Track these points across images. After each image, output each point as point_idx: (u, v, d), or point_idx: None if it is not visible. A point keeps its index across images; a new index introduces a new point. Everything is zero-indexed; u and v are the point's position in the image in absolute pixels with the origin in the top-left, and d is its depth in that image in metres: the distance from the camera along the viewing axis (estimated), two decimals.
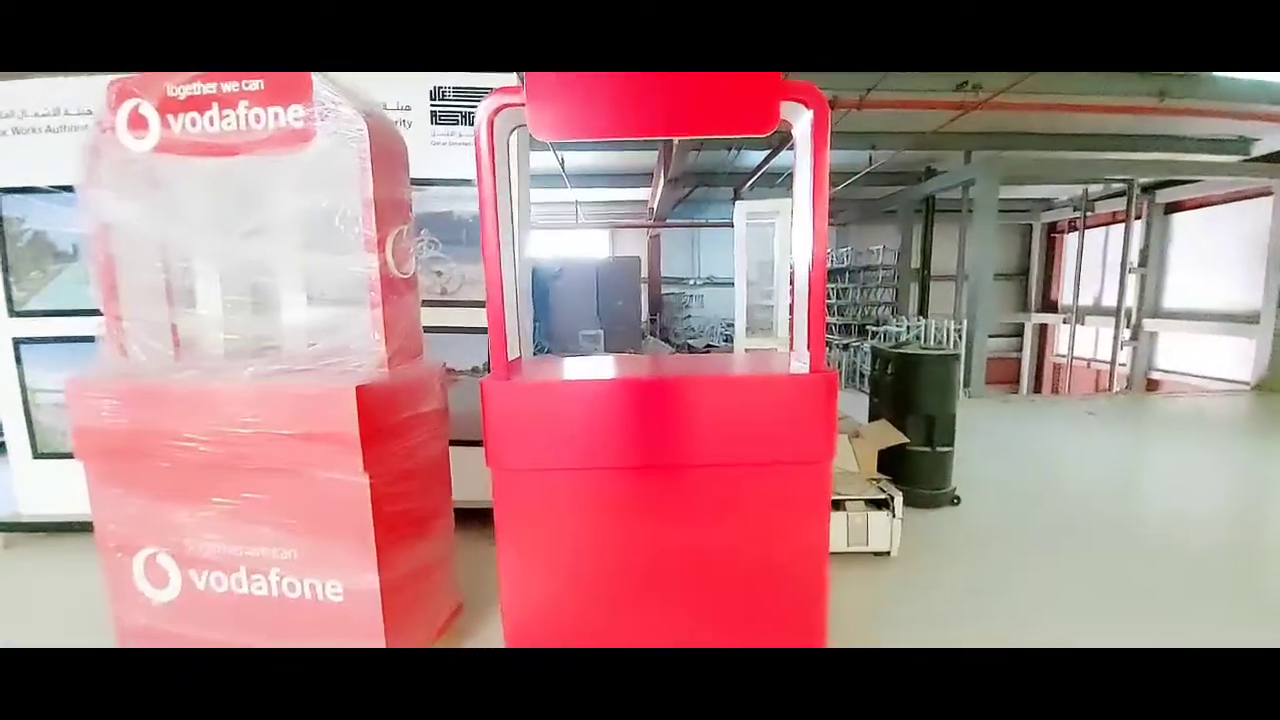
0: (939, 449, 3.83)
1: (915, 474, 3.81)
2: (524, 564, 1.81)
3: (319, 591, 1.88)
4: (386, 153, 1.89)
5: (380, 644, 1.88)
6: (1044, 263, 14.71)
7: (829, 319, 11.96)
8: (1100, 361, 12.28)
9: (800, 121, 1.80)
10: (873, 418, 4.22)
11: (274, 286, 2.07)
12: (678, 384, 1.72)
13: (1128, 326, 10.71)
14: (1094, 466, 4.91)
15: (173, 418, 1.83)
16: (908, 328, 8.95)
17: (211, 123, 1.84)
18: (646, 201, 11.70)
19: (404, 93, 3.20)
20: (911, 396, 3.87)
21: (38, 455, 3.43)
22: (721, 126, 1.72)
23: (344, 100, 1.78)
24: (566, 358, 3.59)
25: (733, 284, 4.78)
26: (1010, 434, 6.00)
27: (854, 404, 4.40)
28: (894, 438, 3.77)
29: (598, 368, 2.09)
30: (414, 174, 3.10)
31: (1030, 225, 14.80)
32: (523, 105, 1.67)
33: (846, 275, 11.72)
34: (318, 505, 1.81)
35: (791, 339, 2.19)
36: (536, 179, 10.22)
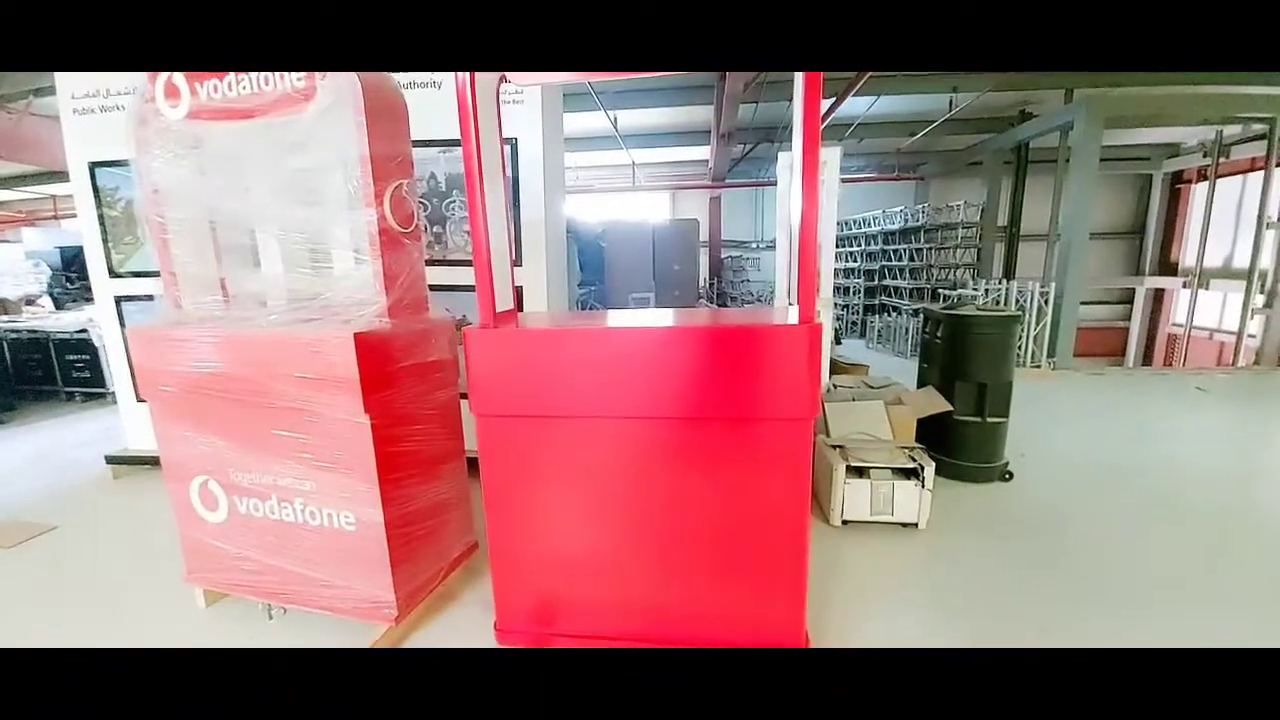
0: (990, 420, 3.55)
1: (961, 446, 3.57)
2: (507, 513, 1.89)
3: (335, 520, 2.06)
4: (384, 109, 1.95)
5: (387, 572, 2.04)
6: (1164, 219, 12.94)
7: (899, 282, 11.22)
8: (1225, 332, 10.78)
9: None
10: (920, 385, 3.97)
11: (298, 242, 2.23)
12: (653, 334, 1.70)
13: (1261, 291, 9.27)
14: (1186, 448, 4.36)
15: (210, 361, 2.05)
16: (985, 291, 8.24)
17: (230, 88, 1.97)
18: (707, 160, 11.36)
19: None
20: (962, 362, 3.59)
21: (140, 399, 3.95)
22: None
23: None
24: (566, 313, 3.61)
25: None
26: (1094, 408, 5.44)
27: (913, 372, 4.12)
28: (936, 405, 3.54)
29: (587, 319, 2.10)
30: (444, 135, 3.22)
31: (1150, 176, 13.00)
32: None
33: (922, 234, 10.86)
34: (329, 442, 1.97)
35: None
36: (592, 140, 10.16)
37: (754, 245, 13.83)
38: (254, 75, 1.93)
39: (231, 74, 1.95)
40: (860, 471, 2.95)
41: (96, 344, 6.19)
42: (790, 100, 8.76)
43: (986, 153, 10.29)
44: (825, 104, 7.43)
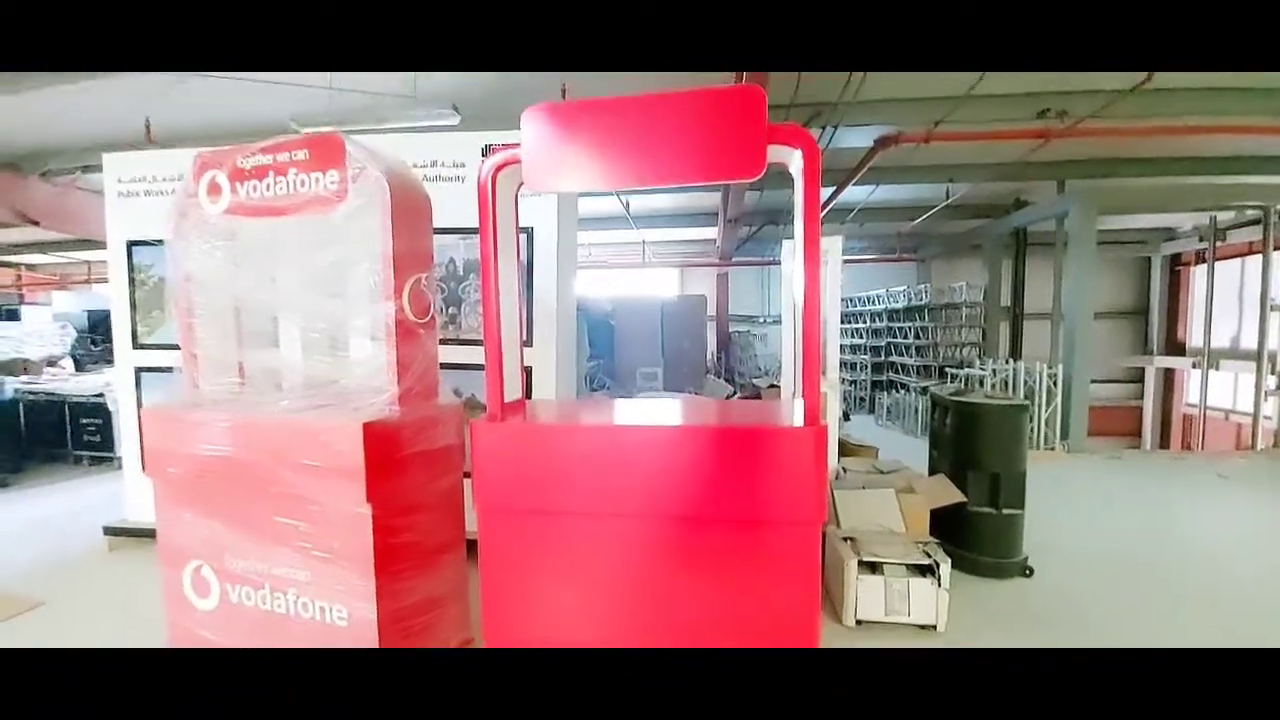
0: (1006, 511, 3.44)
1: (977, 539, 3.45)
2: (505, 609, 1.83)
3: (327, 614, 2.00)
4: (409, 208, 2.07)
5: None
6: (1167, 299, 13.08)
7: (906, 359, 11.27)
8: (1241, 413, 10.60)
9: (793, 161, 1.77)
10: (932, 472, 3.90)
11: (318, 329, 2.30)
12: (658, 434, 1.71)
13: (1272, 373, 9.20)
14: (1214, 539, 4.18)
15: (219, 444, 2.06)
16: (993, 371, 8.23)
17: (268, 188, 2.11)
18: (715, 240, 11.78)
19: (459, 151, 3.50)
20: (972, 450, 3.54)
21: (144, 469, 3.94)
22: (709, 174, 1.73)
23: (371, 163, 1.98)
24: (574, 402, 3.64)
25: None
26: (1114, 495, 5.27)
27: (923, 453, 4.05)
28: (949, 495, 3.46)
29: (593, 411, 2.12)
30: (464, 222, 3.39)
31: (1149, 258, 13.28)
32: (518, 163, 1.78)
33: (926, 313, 11.02)
34: (328, 531, 1.95)
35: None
36: (603, 220, 10.62)
37: (761, 320, 14.04)
38: (291, 176, 2.07)
39: (271, 174, 2.10)
40: (873, 567, 2.84)
41: (111, 408, 6.27)
42: (777, 165, 9.18)
43: (985, 237, 10.61)
44: (826, 192, 7.81)
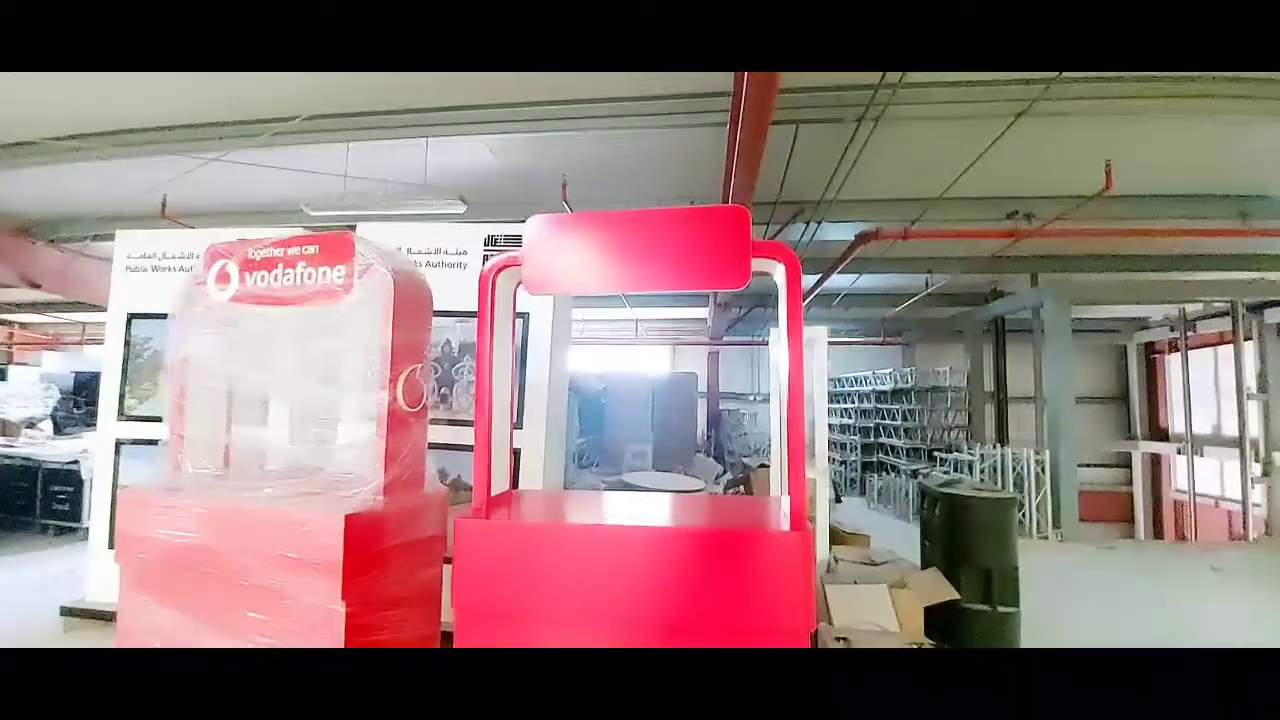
0: (1000, 609, 3.37)
1: (972, 639, 3.35)
2: None
3: None
4: (411, 302, 2.16)
5: None
6: (1145, 386, 13.40)
7: (895, 441, 11.31)
8: (1230, 500, 10.59)
9: (776, 272, 1.89)
10: (925, 563, 3.83)
11: (311, 416, 2.33)
12: (643, 534, 1.70)
13: (1256, 460, 9.29)
14: (1210, 640, 4.07)
15: (192, 531, 2.02)
16: (981, 456, 8.27)
17: (276, 279, 2.20)
18: (706, 320, 12.09)
19: (463, 240, 3.68)
20: (963, 544, 3.51)
21: (111, 545, 3.79)
22: (697, 284, 1.84)
23: (378, 260, 2.09)
24: (562, 494, 3.63)
25: None
26: (1110, 591, 5.17)
27: (915, 540, 3.99)
28: (943, 592, 3.39)
29: (582, 507, 2.11)
30: (462, 307, 3.50)
31: (1125, 345, 13.72)
32: (519, 265, 1.89)
33: (913, 395, 11.20)
34: (296, 628, 1.87)
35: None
36: (597, 298, 10.92)
37: (751, 398, 14.17)
38: (300, 269, 2.16)
39: (280, 266, 2.19)
40: None
41: (84, 476, 6.09)
42: (762, 274, 9.56)
43: (966, 323, 10.99)
44: (812, 279, 8.16)
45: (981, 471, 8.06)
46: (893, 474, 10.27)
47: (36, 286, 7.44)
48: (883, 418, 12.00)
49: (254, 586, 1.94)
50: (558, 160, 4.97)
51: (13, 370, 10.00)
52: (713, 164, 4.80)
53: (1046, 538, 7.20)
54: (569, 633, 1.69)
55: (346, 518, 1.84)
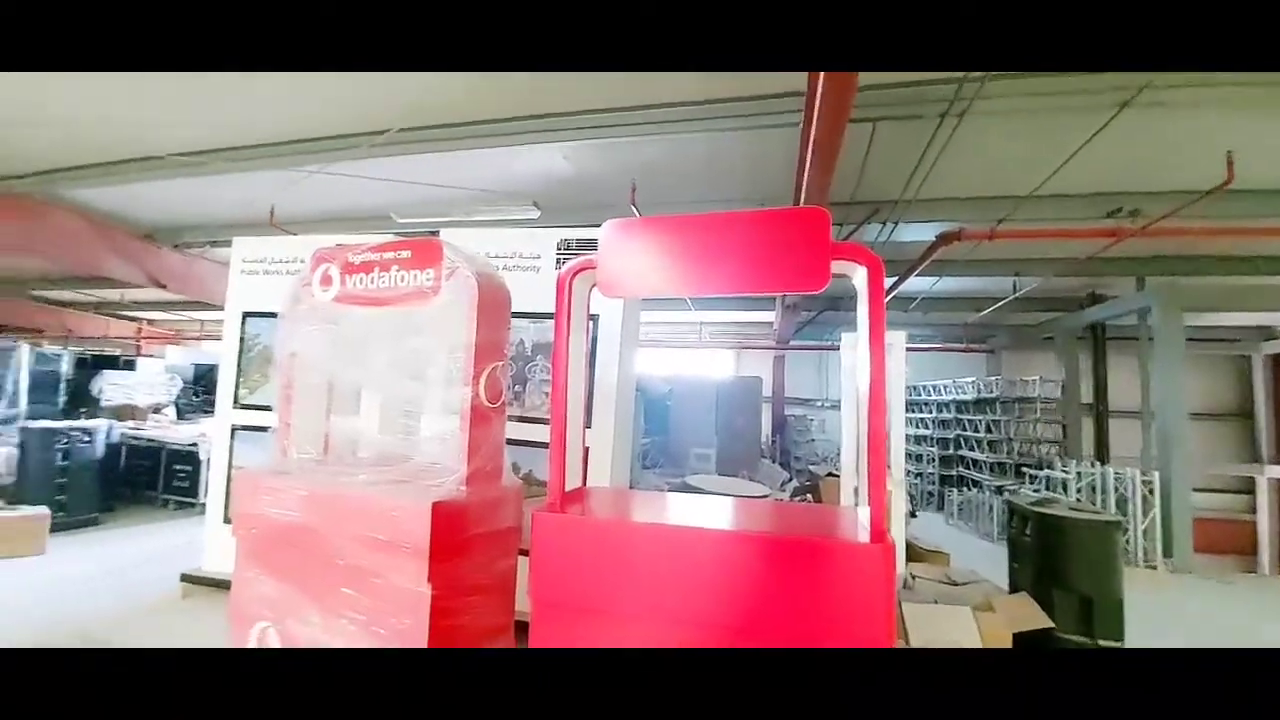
0: (1102, 643, 3.09)
1: None
2: None
3: None
4: (492, 304, 2.27)
5: None
6: (1273, 402, 11.85)
7: (977, 454, 10.61)
8: None
9: (857, 274, 1.84)
10: (1013, 588, 3.59)
11: (401, 408, 2.50)
12: (718, 538, 1.70)
13: None
14: None
15: (298, 511, 2.21)
16: (1078, 474, 7.60)
17: (373, 282, 2.37)
18: (771, 323, 11.86)
19: (536, 244, 3.82)
20: (1059, 566, 3.26)
21: (225, 521, 4.20)
22: (774, 286, 1.83)
23: (463, 264, 2.21)
24: (633, 493, 3.65)
25: None
26: (1228, 631, 4.62)
27: (1001, 561, 3.74)
28: (1034, 619, 3.15)
29: (653, 506, 2.13)
30: (537, 309, 3.63)
31: (1248, 356, 12.21)
32: (594, 268, 1.94)
33: (998, 406, 10.45)
34: (387, 608, 2.01)
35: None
36: (662, 301, 10.96)
37: (819, 404, 13.73)
38: (393, 272, 2.33)
39: (376, 270, 2.36)
40: None
41: (202, 457, 6.78)
42: (841, 275, 9.23)
43: (1059, 329, 10.15)
44: (887, 282, 7.79)
45: (1078, 491, 7.42)
46: (974, 489, 9.63)
47: (162, 286, 8.33)
48: (963, 429, 11.27)
49: (349, 565, 2.10)
50: (626, 164, 5.04)
51: (141, 362, 11.28)
52: (782, 165, 4.71)
53: (1154, 567, 6.52)
54: (640, 630, 1.71)
55: (434, 505, 1.96)
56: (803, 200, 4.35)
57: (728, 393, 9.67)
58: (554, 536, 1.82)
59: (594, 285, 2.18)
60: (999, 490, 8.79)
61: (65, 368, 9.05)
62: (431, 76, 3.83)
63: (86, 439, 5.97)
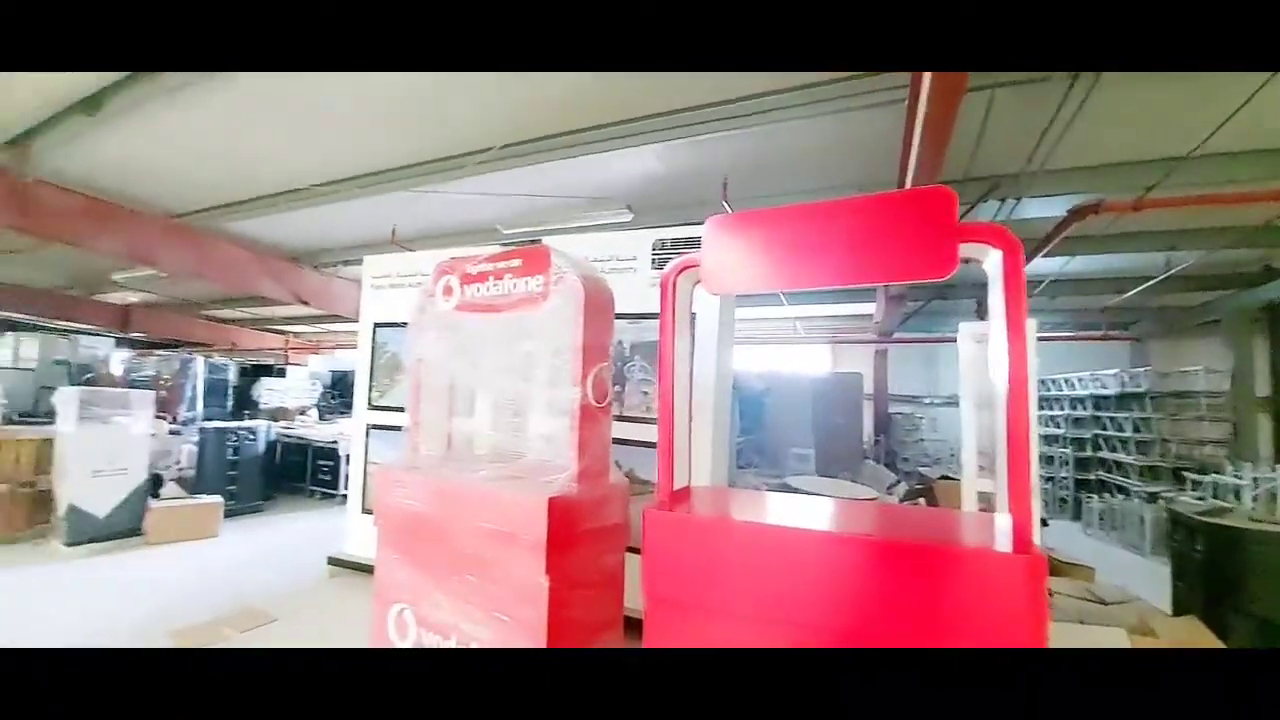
0: None
1: None
2: None
3: None
4: (598, 307, 2.34)
5: None
6: None
7: (1122, 456, 9.38)
8: None
9: (989, 258, 1.69)
10: (1177, 609, 3.13)
11: (514, 408, 2.65)
12: (844, 543, 1.63)
13: None
14: None
15: (428, 503, 2.41)
16: (1254, 480, 6.47)
17: (488, 290, 2.54)
18: (871, 316, 11.21)
19: (632, 246, 3.89)
20: (1236, 588, 2.79)
21: (365, 511, 4.68)
22: (893, 274, 1.73)
23: (570, 270, 2.30)
24: (739, 491, 3.59)
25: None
26: None
27: (1155, 578, 3.29)
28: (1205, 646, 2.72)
29: (763, 506, 2.10)
30: (633, 309, 3.70)
31: None
32: (697, 266, 1.93)
33: (1148, 401, 9.14)
34: (509, 595, 2.13)
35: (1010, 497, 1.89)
36: (754, 297, 10.72)
37: (926, 401, 12.79)
38: (506, 280, 2.47)
39: (491, 279, 2.52)
40: None
41: (341, 453, 7.61)
42: (968, 260, 8.47)
43: (1226, 311, 8.70)
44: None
45: (1253, 499, 6.33)
46: (1119, 495, 8.50)
47: (305, 303, 9.45)
48: (1104, 427, 9.96)
49: (473, 555, 2.25)
50: (715, 161, 4.99)
51: (290, 370, 12.85)
52: (883, 149, 4.44)
53: None
54: (754, 630, 1.69)
55: (549, 500, 2.05)
56: (909, 182, 4.08)
57: (825, 390, 9.27)
58: (665, 533, 1.84)
59: (696, 283, 2.18)
60: (1151, 497, 7.71)
61: (231, 376, 10.52)
62: (527, 91, 4.02)
63: (251, 437, 6.90)
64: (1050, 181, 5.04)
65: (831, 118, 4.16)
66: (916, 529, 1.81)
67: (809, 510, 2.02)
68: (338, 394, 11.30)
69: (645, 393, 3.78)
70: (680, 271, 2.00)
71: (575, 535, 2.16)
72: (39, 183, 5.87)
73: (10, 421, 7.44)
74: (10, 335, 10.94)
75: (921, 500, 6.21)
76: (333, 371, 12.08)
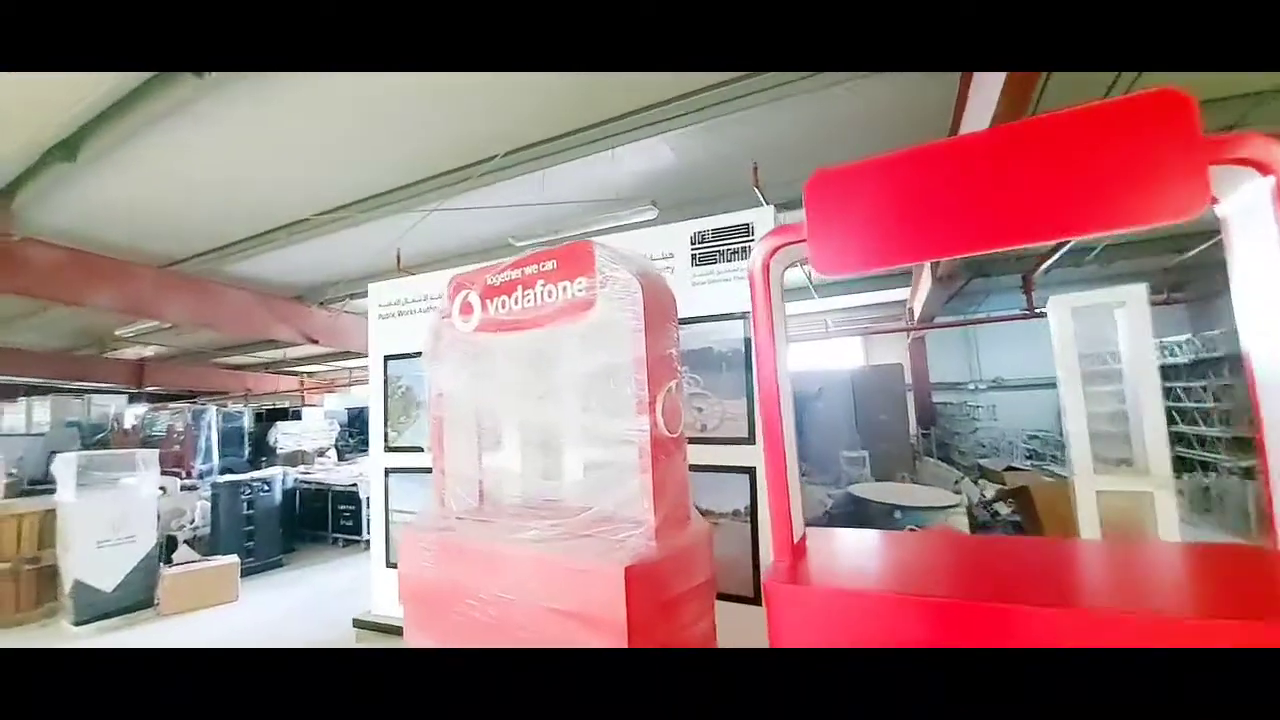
0: None
1: None
2: None
3: None
4: (659, 310, 1.85)
5: None
6: None
7: (1205, 429, 8.62)
8: None
9: (1238, 192, 1.18)
10: None
11: (560, 446, 2.16)
12: (1050, 621, 1.09)
13: None
14: None
15: (465, 574, 1.92)
16: None
17: (516, 303, 2.06)
18: (905, 302, 10.61)
19: (666, 243, 3.40)
20: None
21: (389, 565, 4.21)
22: (1115, 219, 1.20)
23: (621, 265, 1.81)
24: (871, 533, 3.03)
25: (1027, 387, 3.63)
26: None
27: None
28: None
29: (909, 557, 1.56)
30: (680, 312, 3.21)
31: None
32: (802, 242, 1.44)
33: (1225, 368, 8.40)
34: None
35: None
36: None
37: (971, 387, 12.09)
38: (539, 288, 1.99)
39: (519, 289, 2.05)
40: None
41: (362, 495, 7.19)
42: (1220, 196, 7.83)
43: None
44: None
45: None
46: (1213, 474, 7.75)
47: (314, 341, 9.13)
48: (1178, 399, 9.17)
49: (529, 637, 1.76)
50: (737, 147, 4.53)
51: (306, 411, 12.55)
52: (933, 112, 3.95)
53: None
54: None
55: (626, 570, 1.55)
56: None
57: (865, 384, 8.67)
58: (794, 614, 1.32)
59: (787, 267, 1.68)
60: (1246, 473, 6.99)
61: (246, 423, 10.21)
62: (531, 90, 3.61)
63: (266, 488, 6.50)
64: None
65: (869, 82, 3.68)
66: (1149, 581, 1.27)
67: (997, 559, 1.47)
68: (356, 431, 10.96)
69: (699, 409, 3.28)
70: (775, 251, 1.50)
71: (661, 605, 1.66)
72: (27, 241, 5.58)
73: (22, 492, 7.13)
74: (23, 400, 10.76)
75: (1010, 504, 5.56)
76: (349, 409, 11.77)
